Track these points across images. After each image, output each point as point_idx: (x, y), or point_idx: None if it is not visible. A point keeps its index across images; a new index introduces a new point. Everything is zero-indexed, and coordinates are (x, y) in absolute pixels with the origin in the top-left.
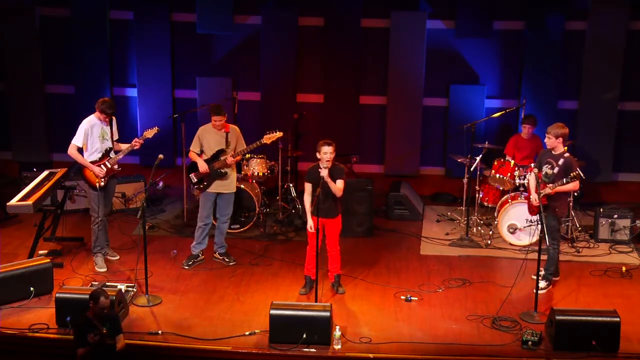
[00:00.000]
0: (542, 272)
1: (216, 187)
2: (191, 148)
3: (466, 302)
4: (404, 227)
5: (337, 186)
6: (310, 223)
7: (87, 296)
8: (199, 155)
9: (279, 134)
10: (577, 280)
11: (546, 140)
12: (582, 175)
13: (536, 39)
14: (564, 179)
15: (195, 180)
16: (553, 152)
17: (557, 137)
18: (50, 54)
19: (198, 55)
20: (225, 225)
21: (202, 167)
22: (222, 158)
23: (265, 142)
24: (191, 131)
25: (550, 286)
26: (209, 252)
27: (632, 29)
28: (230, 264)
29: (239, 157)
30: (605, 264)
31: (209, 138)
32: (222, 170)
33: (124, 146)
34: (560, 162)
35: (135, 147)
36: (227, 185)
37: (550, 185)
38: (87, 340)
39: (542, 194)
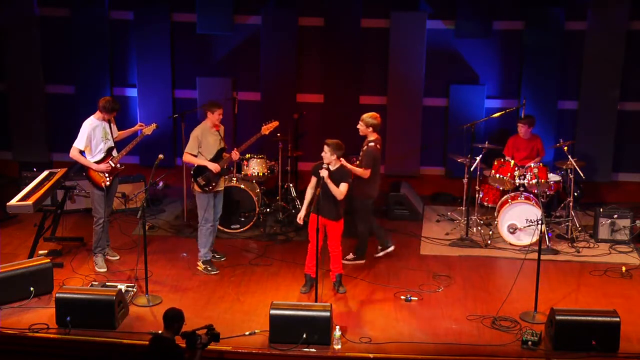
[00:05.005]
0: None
1: (220, 185)
2: (189, 151)
3: (466, 302)
4: (404, 227)
5: (340, 189)
6: (301, 214)
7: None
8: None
9: (275, 123)
10: (577, 280)
11: (358, 126)
12: (364, 170)
13: (536, 39)
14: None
15: (203, 183)
16: (367, 138)
17: (367, 126)
18: (50, 54)
19: (198, 55)
20: (216, 225)
21: (216, 168)
22: (225, 156)
23: (264, 133)
24: (191, 131)
25: (360, 262)
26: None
27: (632, 29)
28: (212, 273)
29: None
30: (605, 264)
31: (210, 138)
32: (226, 167)
33: (125, 133)
34: (365, 148)
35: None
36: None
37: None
38: (196, 345)
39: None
